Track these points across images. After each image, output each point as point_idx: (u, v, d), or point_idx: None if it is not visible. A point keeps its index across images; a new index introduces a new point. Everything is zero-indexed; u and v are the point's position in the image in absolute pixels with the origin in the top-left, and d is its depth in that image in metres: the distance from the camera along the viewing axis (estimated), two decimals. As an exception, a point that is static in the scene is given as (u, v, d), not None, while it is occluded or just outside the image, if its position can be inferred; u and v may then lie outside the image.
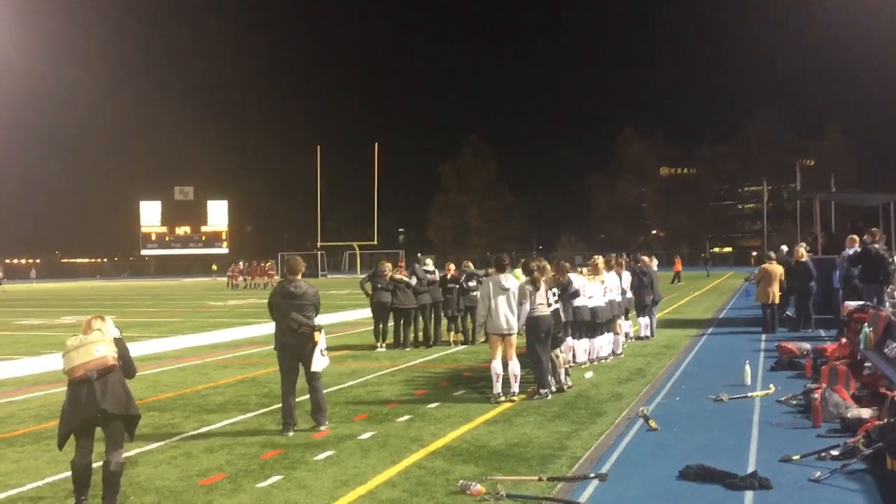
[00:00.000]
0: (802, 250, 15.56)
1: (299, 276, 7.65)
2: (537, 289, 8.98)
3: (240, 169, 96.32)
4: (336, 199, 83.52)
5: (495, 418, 7.86)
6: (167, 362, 12.72)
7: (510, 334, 8.88)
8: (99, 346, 5.23)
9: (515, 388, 8.85)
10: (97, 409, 5.09)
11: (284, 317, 7.44)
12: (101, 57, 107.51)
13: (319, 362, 7.50)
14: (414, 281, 13.82)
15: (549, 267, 9.57)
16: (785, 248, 17.10)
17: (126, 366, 5.45)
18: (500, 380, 8.78)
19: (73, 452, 5.23)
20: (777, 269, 14.86)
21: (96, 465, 5.33)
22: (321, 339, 7.53)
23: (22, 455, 6.86)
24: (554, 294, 9.31)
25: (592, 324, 11.22)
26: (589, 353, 11.30)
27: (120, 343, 5.44)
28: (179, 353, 13.88)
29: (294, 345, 7.44)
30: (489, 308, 8.87)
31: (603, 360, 11.47)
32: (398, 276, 13.81)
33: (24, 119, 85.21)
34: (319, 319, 7.69)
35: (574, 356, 10.90)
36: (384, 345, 13.73)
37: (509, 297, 8.87)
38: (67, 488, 5.57)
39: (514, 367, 8.85)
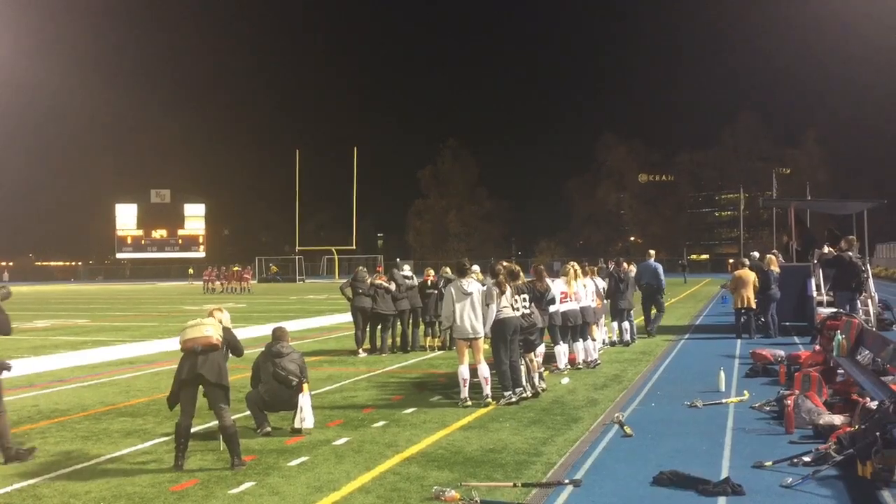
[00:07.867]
0: (771, 257, 15.65)
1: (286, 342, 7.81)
2: (503, 292, 8.97)
3: (217, 172, 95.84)
4: (315, 203, 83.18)
5: (471, 424, 7.84)
6: (141, 367, 12.58)
7: (476, 338, 8.87)
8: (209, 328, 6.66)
9: (487, 390, 8.83)
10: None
11: (268, 376, 7.47)
12: (78, 59, 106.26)
13: (309, 419, 7.50)
14: (393, 287, 13.80)
15: (518, 271, 9.50)
16: (756, 254, 17.20)
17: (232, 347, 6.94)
18: (468, 385, 8.78)
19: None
20: (750, 275, 14.99)
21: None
22: (307, 396, 7.56)
23: (-11, 461, 6.72)
24: (524, 299, 9.30)
25: (582, 325, 11.38)
26: (577, 354, 11.38)
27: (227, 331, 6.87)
28: (154, 358, 13.72)
29: (277, 396, 7.45)
30: (453, 313, 8.87)
31: (583, 366, 11.47)
32: (378, 282, 13.79)
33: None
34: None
35: (558, 360, 10.98)
36: (364, 350, 13.68)
37: (472, 302, 8.86)
38: (35, 494, 5.53)
39: (484, 370, 8.83)
